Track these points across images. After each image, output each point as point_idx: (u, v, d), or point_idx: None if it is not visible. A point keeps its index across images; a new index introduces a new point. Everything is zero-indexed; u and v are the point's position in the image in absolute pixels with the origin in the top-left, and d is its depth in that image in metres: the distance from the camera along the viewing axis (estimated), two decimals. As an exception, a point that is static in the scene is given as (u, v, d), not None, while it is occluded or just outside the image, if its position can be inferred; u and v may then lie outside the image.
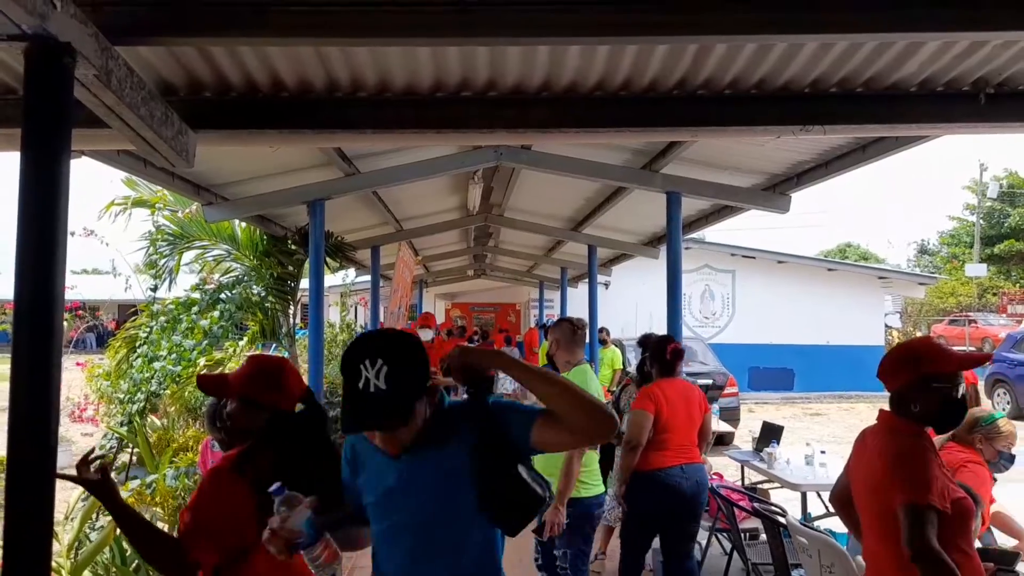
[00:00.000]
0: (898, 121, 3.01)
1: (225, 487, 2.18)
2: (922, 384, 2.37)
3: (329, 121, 2.90)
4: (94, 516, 4.44)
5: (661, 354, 4.43)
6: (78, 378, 11.28)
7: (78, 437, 11.72)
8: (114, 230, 9.16)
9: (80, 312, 12.71)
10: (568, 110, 2.98)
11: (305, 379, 7.29)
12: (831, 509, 2.83)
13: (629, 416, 4.31)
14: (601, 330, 10.40)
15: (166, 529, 4.43)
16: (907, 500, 2.23)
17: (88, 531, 4.28)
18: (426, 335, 5.24)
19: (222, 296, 6.31)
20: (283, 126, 2.86)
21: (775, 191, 5.61)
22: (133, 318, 7.21)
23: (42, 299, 2.10)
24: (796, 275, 18.28)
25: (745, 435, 10.46)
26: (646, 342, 6.33)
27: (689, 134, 3.17)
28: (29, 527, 1.93)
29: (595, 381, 4.07)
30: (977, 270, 29.35)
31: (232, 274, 7.12)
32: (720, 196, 5.69)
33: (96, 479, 2.17)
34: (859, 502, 2.53)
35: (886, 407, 2.54)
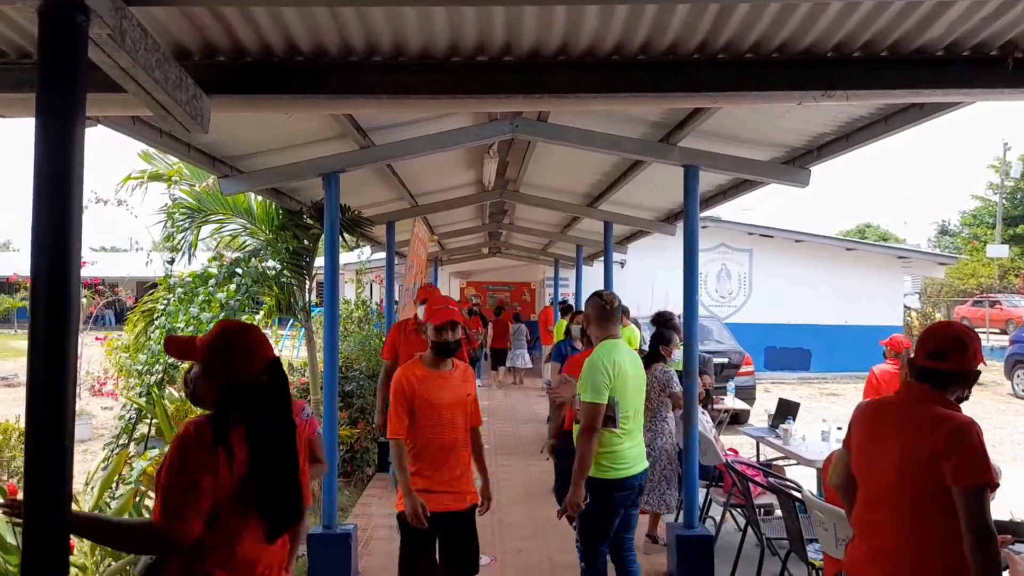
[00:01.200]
0: (922, 87, 2.94)
1: (204, 455, 2.15)
2: (974, 374, 2.49)
3: (343, 86, 2.88)
4: (113, 485, 4.50)
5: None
6: (98, 353, 11.43)
7: (98, 411, 11.90)
8: (132, 206, 9.21)
9: (99, 288, 12.85)
10: (586, 75, 2.93)
11: (320, 355, 7.26)
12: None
13: (560, 378, 5.00)
14: (619, 308, 10.35)
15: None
16: (972, 481, 2.25)
17: (108, 499, 4.33)
18: (423, 312, 5.10)
19: (238, 270, 6.33)
20: (297, 91, 2.84)
21: (795, 164, 5.53)
22: (151, 291, 7.26)
23: (59, 263, 2.09)
24: (814, 254, 18.12)
25: (761, 414, 10.42)
26: (659, 319, 6.33)
27: (709, 100, 3.11)
28: (48, 496, 1.94)
29: (619, 353, 3.96)
30: (999, 251, 28.91)
31: (248, 248, 7.14)
32: (738, 169, 5.62)
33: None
34: (878, 479, 2.48)
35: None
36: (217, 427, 2.19)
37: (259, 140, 5.19)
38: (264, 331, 2.48)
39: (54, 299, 2.03)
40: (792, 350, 18.31)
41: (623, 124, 5.43)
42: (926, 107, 3.96)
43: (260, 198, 6.96)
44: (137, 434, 5.65)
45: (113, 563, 3.61)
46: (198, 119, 2.71)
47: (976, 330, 4.17)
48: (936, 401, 2.42)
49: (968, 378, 2.48)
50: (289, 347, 16.00)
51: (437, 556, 3.75)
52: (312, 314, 7.67)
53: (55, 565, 1.90)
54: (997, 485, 2.29)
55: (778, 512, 5.24)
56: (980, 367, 2.51)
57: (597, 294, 4.13)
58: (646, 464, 4.09)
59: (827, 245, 18.59)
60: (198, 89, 2.75)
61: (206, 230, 7.24)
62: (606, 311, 4.00)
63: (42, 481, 1.93)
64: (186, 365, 6.01)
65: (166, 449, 4.51)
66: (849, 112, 4.48)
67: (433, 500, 3.60)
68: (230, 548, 2.17)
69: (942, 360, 2.46)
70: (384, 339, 9.13)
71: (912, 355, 2.59)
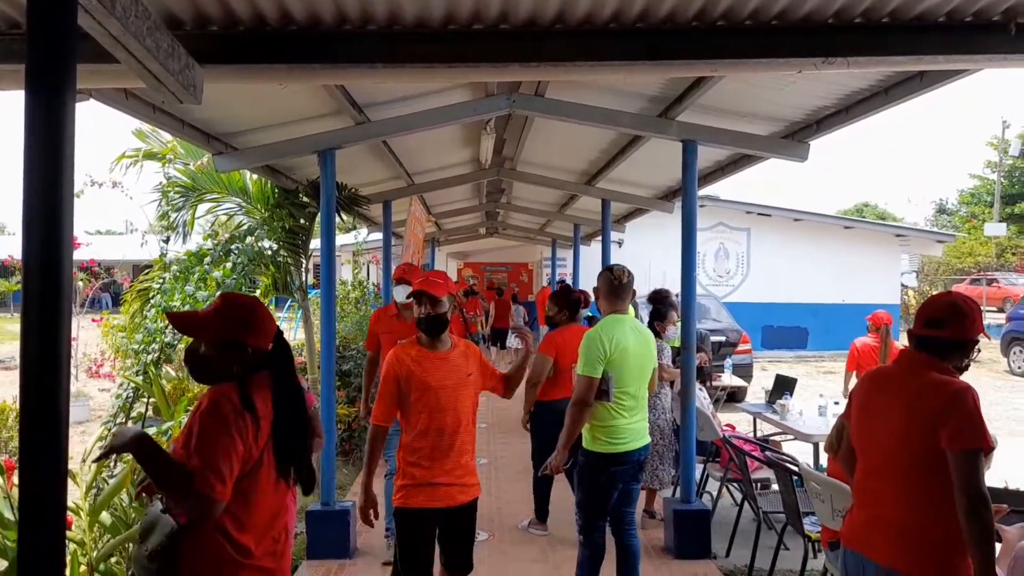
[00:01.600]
0: (924, 53, 2.91)
1: (235, 419, 2.20)
2: (972, 343, 2.49)
3: (338, 56, 2.84)
4: (111, 463, 4.50)
5: (568, 303, 5.39)
6: (94, 336, 11.42)
7: (95, 393, 11.91)
8: (127, 187, 9.14)
9: (95, 270, 12.81)
10: (583, 43, 2.89)
11: (318, 335, 7.23)
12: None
13: (535, 358, 5.05)
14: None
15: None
16: (967, 445, 2.25)
17: (107, 476, 4.34)
18: (399, 294, 5.00)
19: (233, 248, 6.30)
20: (292, 60, 2.80)
21: (794, 139, 5.50)
22: (147, 271, 7.23)
23: (51, 236, 2.04)
24: (812, 233, 18.10)
25: (758, 392, 10.46)
26: (656, 296, 6.31)
27: (708, 68, 3.07)
28: (44, 474, 1.91)
29: (621, 329, 3.95)
30: (996, 229, 28.93)
31: (244, 228, 7.10)
32: (737, 144, 5.58)
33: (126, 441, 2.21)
34: (878, 447, 2.49)
35: None
36: (244, 393, 2.24)
37: (254, 117, 5.14)
38: None
39: (47, 266, 1.99)
40: (789, 329, 18.35)
41: (621, 99, 5.38)
42: (926, 77, 3.92)
43: (255, 177, 6.91)
44: (134, 413, 5.64)
45: (112, 539, 3.62)
46: (191, 89, 2.67)
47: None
48: (934, 368, 2.42)
49: (967, 347, 2.47)
50: (286, 328, 16.01)
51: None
52: (309, 296, 7.65)
53: (52, 542, 1.89)
54: (992, 448, 2.30)
55: (775, 486, 5.26)
56: (980, 337, 2.50)
57: (608, 268, 4.11)
58: (647, 440, 4.09)
59: (825, 224, 18.56)
60: (190, 59, 2.71)
61: (201, 209, 7.20)
62: (614, 286, 3.98)
63: (38, 461, 1.90)
64: (182, 344, 6.03)
65: (165, 427, 4.51)
66: (849, 84, 4.44)
67: (438, 495, 3.33)
68: (248, 511, 2.21)
69: (940, 328, 2.46)
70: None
71: (911, 326, 2.58)
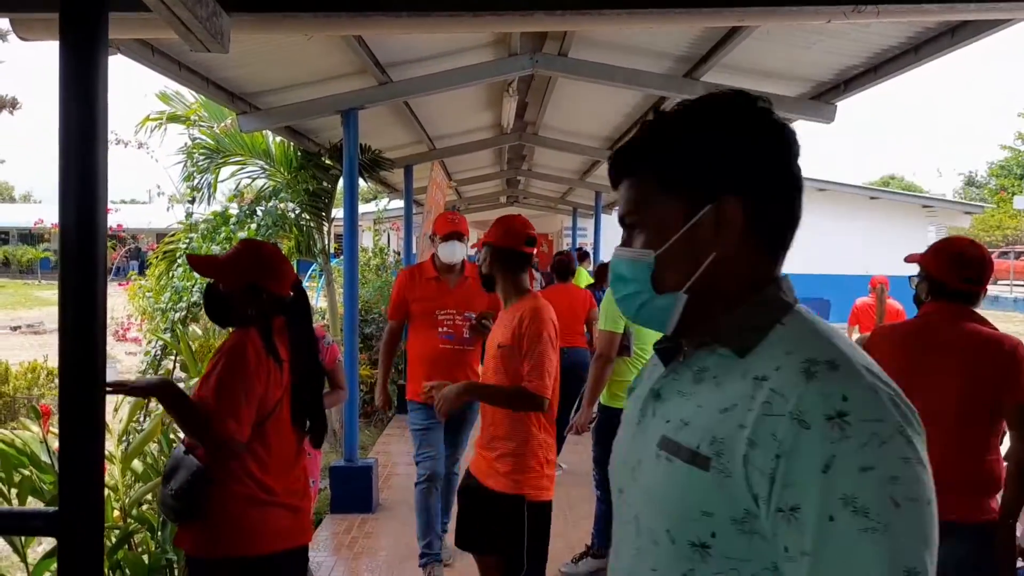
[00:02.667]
0: (959, 0, 2.84)
1: (255, 363, 2.24)
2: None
3: (362, 3, 2.83)
4: (139, 413, 4.61)
5: (556, 266, 6.05)
6: (121, 301, 11.60)
7: (123, 356, 12.13)
8: (151, 149, 9.22)
9: (122, 235, 12.98)
10: (610, -9, 2.86)
11: (339, 299, 7.26)
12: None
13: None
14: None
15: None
16: None
17: (137, 425, 4.44)
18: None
19: (258, 210, 6.36)
20: (317, 9, 2.80)
21: (820, 100, 5.41)
22: (172, 235, 7.32)
23: (86, 196, 2.07)
24: (837, 204, 17.89)
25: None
26: None
27: (736, 18, 3.03)
28: (83, 426, 1.96)
29: None
30: (1026, 202, 28.35)
31: (268, 189, 7.15)
32: (763, 105, 5.50)
33: (151, 384, 2.29)
34: (925, 395, 2.46)
35: None
36: (267, 337, 2.29)
37: (278, 77, 5.15)
38: None
39: (82, 225, 2.01)
40: (809, 300, 18.20)
41: (645, 59, 5.32)
42: (957, 33, 3.83)
43: (278, 139, 6.94)
44: (162, 370, 5.76)
45: (143, 485, 3.72)
46: (218, 37, 2.68)
47: (1000, 282, 4.27)
48: (977, 320, 2.47)
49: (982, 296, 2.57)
50: (309, 294, 16.12)
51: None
52: (331, 262, 7.71)
53: (91, 487, 1.95)
54: None
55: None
56: None
57: None
58: None
59: (850, 194, 18.35)
60: (217, 6, 2.72)
61: (225, 172, 7.25)
62: None
63: (77, 416, 1.95)
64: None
65: (192, 383, 4.60)
66: (878, 42, 4.35)
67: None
68: (269, 451, 2.27)
69: (979, 284, 2.51)
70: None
71: (934, 275, 2.55)
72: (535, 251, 3.00)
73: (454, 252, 4.02)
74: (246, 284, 2.35)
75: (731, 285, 0.97)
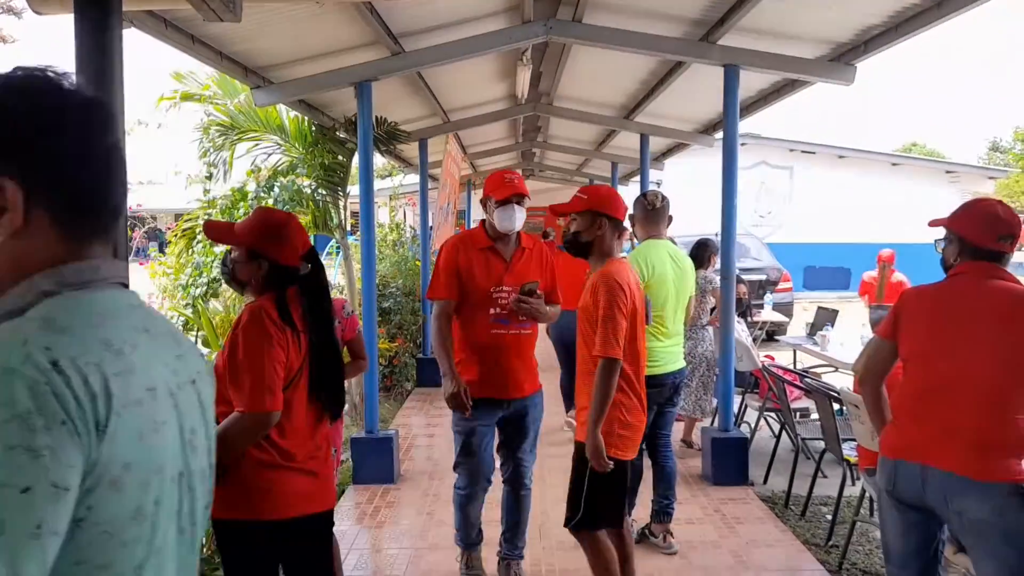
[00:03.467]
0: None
1: (274, 332, 2.25)
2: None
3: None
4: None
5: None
6: (141, 281, 11.73)
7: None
8: (167, 132, 9.27)
9: (141, 214, 13.07)
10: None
11: (357, 272, 7.19)
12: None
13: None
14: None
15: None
16: None
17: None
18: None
19: (275, 185, 6.37)
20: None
21: (840, 61, 5.31)
22: (191, 212, 7.37)
23: None
24: (858, 170, 17.64)
25: (797, 330, 10.36)
26: (697, 246, 6.03)
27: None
28: None
29: (656, 253, 4.03)
30: (1053, 167, 27.80)
31: (285, 164, 7.16)
32: (780, 68, 5.41)
33: None
34: (956, 355, 2.44)
35: None
36: (281, 307, 2.29)
37: (291, 49, 5.14)
38: None
39: None
40: (832, 269, 18.02)
41: (660, 23, 5.24)
42: (983, -12, 3.75)
43: (293, 114, 6.93)
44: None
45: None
46: (230, 6, 2.68)
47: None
48: (1010, 279, 2.43)
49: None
50: (327, 269, 16.16)
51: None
52: (348, 239, 7.71)
53: None
54: None
55: (814, 416, 5.26)
56: None
57: (642, 194, 4.28)
58: (681, 364, 4.13)
59: (871, 160, 18.06)
60: (227, -25, 2.71)
61: (240, 149, 7.26)
62: (648, 211, 4.16)
63: None
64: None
65: (214, 357, 4.65)
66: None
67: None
68: (290, 417, 2.29)
69: (1013, 245, 2.47)
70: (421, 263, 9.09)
71: (966, 236, 2.51)
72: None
73: (513, 218, 3.39)
74: (247, 250, 2.36)
75: (15, 268, 0.92)
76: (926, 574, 2.52)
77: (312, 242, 2.62)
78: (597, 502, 2.94)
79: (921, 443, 2.47)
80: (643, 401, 3.05)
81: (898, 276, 8.18)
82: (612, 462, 2.88)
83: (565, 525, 3.04)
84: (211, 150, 6.55)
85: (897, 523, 2.55)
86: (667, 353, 4.00)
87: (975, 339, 2.39)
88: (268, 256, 2.34)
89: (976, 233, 2.47)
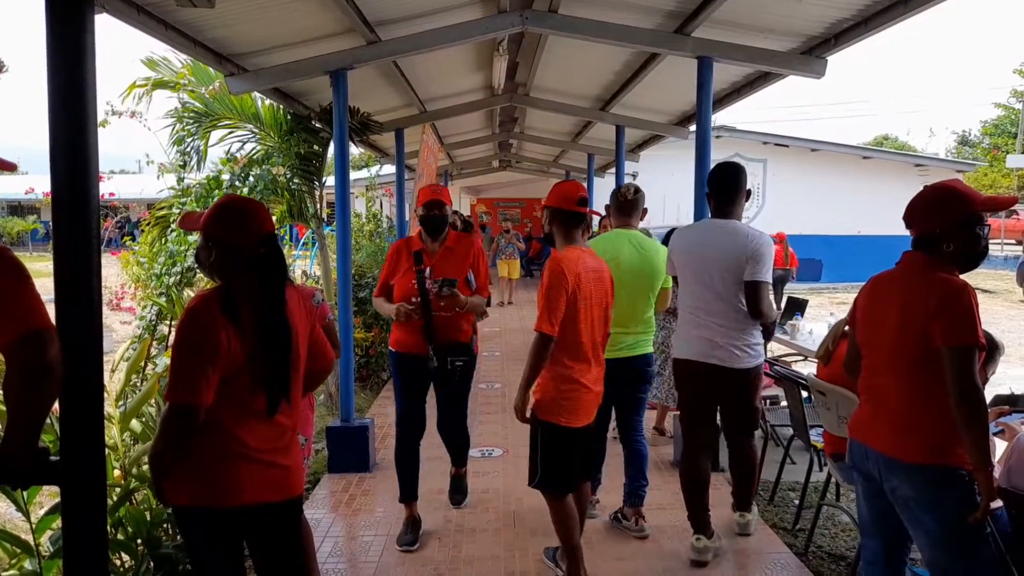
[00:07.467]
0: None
1: (210, 325, 2.21)
2: (964, 225, 2.41)
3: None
4: (138, 372, 4.64)
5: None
6: (113, 271, 11.56)
7: (117, 326, 12.13)
8: (142, 116, 9.14)
9: (114, 203, 12.84)
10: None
11: (334, 263, 7.10)
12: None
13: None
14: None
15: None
16: (958, 341, 2.28)
17: (134, 387, 4.47)
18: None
19: (251, 174, 6.32)
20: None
21: (811, 55, 5.39)
22: (164, 201, 7.29)
23: (79, 150, 2.06)
24: (830, 164, 17.89)
25: (770, 319, 10.50)
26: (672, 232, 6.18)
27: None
28: (83, 385, 1.99)
29: (617, 242, 4.15)
30: (1019, 161, 28.30)
31: (260, 153, 7.10)
32: (753, 60, 5.48)
33: None
34: (881, 345, 2.55)
35: None
36: (225, 298, 2.25)
37: (265, 36, 5.10)
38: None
39: (76, 186, 2.02)
40: (803, 260, 18.27)
41: (635, 15, 5.29)
42: (948, -17, 3.83)
43: (268, 102, 6.88)
44: (158, 334, 5.77)
45: (142, 444, 3.77)
46: (203, -9, 2.67)
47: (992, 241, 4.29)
48: (932, 266, 2.42)
49: (959, 233, 2.41)
50: (301, 265, 16.10)
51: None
52: (324, 229, 7.68)
53: (91, 446, 2.00)
54: (984, 347, 2.31)
55: (783, 403, 5.36)
56: (974, 215, 2.42)
57: (616, 188, 4.49)
58: (647, 351, 4.20)
59: (843, 154, 18.31)
60: (201, -40, 2.70)
61: (215, 136, 7.20)
62: (621, 203, 4.30)
63: (77, 377, 1.97)
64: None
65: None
66: (869, -7, 4.35)
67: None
68: (241, 408, 2.27)
69: (919, 222, 2.48)
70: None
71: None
72: (587, 210, 3.43)
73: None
74: (205, 238, 2.34)
75: None
76: (893, 539, 2.62)
77: (282, 232, 2.58)
78: (549, 465, 3.29)
79: (863, 423, 2.62)
80: (592, 374, 3.32)
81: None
82: (548, 425, 3.24)
83: (528, 484, 3.40)
84: (185, 138, 6.48)
85: (861, 491, 2.70)
86: (622, 339, 4.06)
87: (889, 326, 2.48)
88: (219, 241, 2.31)
89: (908, 223, 2.55)
